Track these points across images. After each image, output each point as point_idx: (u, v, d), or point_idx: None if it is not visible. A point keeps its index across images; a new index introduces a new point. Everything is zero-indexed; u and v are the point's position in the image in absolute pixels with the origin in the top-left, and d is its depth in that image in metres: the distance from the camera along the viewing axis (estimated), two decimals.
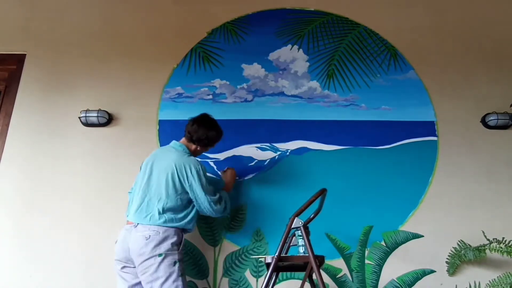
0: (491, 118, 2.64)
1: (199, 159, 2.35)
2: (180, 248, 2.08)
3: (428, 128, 2.71)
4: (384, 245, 2.48)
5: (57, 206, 2.63)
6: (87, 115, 2.71)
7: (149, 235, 2.01)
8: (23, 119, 2.85)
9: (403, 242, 2.48)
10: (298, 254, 2.04)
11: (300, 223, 2.00)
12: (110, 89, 2.90)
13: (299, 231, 2.03)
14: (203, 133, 2.28)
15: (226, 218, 2.55)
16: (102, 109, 2.75)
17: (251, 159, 2.68)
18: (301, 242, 2.05)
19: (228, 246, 2.52)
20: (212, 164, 2.68)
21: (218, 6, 3.07)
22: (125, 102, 2.85)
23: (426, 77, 2.84)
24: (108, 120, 2.77)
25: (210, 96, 2.85)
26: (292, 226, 2.00)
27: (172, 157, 2.20)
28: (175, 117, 2.79)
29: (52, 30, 3.08)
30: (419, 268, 2.42)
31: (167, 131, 2.77)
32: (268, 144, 2.71)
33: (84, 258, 2.52)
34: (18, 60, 3.00)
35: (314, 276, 2.09)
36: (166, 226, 2.05)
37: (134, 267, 2.04)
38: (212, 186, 2.25)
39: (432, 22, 2.99)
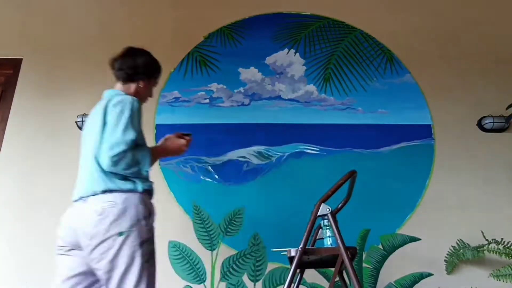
0: (487, 121, 2.65)
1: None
2: (149, 221, 1.56)
3: (425, 131, 2.72)
4: (382, 248, 2.48)
5: (54, 211, 2.62)
6: (84, 119, 2.71)
7: (103, 209, 1.48)
8: (19, 123, 2.84)
9: (400, 245, 2.48)
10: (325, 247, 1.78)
11: (328, 210, 1.70)
12: None
13: (326, 220, 1.76)
14: (131, 62, 1.80)
15: (223, 222, 2.54)
16: None
17: (248, 163, 2.67)
18: (328, 233, 1.77)
19: (226, 250, 2.51)
20: (210, 168, 2.67)
21: (214, 11, 3.08)
22: None
23: (423, 80, 2.85)
24: None
25: (207, 100, 2.85)
26: (319, 214, 1.69)
27: (98, 105, 1.73)
28: (172, 121, 2.79)
29: (48, 34, 3.08)
30: (416, 271, 2.42)
31: (164, 135, 2.74)
32: (265, 148, 2.71)
33: None
34: (14, 65, 3.00)
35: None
36: (126, 191, 1.54)
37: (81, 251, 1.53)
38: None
39: (428, 26, 3.01)
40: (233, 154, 2.68)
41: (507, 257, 2.15)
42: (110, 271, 1.46)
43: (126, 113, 1.58)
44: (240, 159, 2.69)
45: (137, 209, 1.52)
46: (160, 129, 2.78)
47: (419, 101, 2.80)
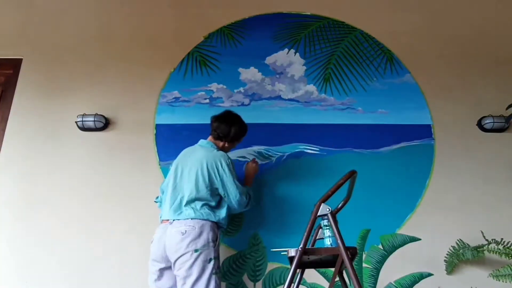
0: (487, 121, 2.65)
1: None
2: (216, 244, 2.04)
3: (425, 131, 2.72)
4: (382, 248, 2.48)
5: (54, 211, 2.62)
6: (84, 119, 2.71)
7: (185, 230, 1.98)
8: (19, 123, 2.84)
9: (400, 245, 2.48)
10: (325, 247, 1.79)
11: (328, 210, 1.72)
12: (107, 93, 2.89)
13: (326, 220, 1.78)
14: (225, 129, 2.28)
15: None
16: (98, 113, 2.75)
17: (247, 162, 2.67)
18: (328, 233, 1.79)
19: (226, 250, 2.51)
20: None
21: (214, 10, 3.08)
22: (122, 106, 2.85)
23: (423, 80, 2.85)
24: (105, 124, 2.77)
25: (207, 100, 2.85)
26: (318, 214, 1.71)
27: (201, 153, 2.20)
28: (172, 121, 2.79)
29: (48, 34, 3.08)
30: (416, 271, 2.42)
31: (164, 135, 2.76)
32: (265, 148, 2.71)
33: (81, 263, 2.50)
34: (14, 65, 3.00)
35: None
36: (202, 220, 2.03)
37: (171, 268, 2.02)
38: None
39: (428, 26, 3.01)
40: (233, 154, 2.68)
41: (507, 257, 2.15)
42: (185, 277, 1.94)
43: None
44: (240, 159, 2.69)
45: (208, 234, 2.02)
46: (160, 129, 2.78)
47: (419, 101, 2.80)
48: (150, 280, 2.09)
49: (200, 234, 1.98)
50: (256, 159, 2.56)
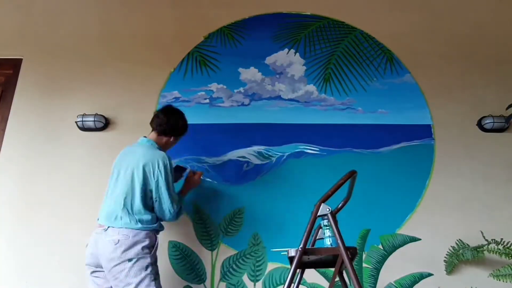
0: (487, 121, 2.65)
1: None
2: (153, 251, 1.98)
3: (425, 131, 2.72)
4: (382, 248, 2.48)
5: (54, 211, 2.62)
6: (84, 119, 2.71)
7: (118, 240, 1.90)
8: (19, 123, 2.84)
9: (400, 246, 2.48)
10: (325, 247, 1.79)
11: (328, 210, 1.72)
12: (107, 93, 2.89)
13: (326, 220, 1.78)
14: (175, 122, 2.21)
15: (223, 222, 2.54)
16: (98, 113, 2.75)
17: (248, 163, 2.67)
18: (328, 233, 1.79)
19: (226, 251, 2.51)
20: (208, 168, 2.67)
21: (214, 11, 3.08)
22: (122, 106, 2.85)
23: (423, 80, 2.85)
24: (104, 124, 2.77)
25: (207, 100, 2.85)
26: (318, 214, 1.71)
27: (138, 152, 2.10)
28: None
29: (48, 34, 3.08)
30: (416, 271, 2.42)
31: None
32: (265, 148, 2.71)
33: (81, 263, 2.50)
34: (14, 65, 3.00)
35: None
36: (137, 229, 1.95)
37: (104, 271, 1.97)
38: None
39: (428, 26, 3.01)
40: (233, 154, 2.68)
41: (507, 257, 2.15)
42: (123, 287, 1.91)
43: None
44: (240, 159, 2.69)
45: (143, 243, 1.95)
46: None
47: (419, 101, 2.80)
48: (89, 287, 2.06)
49: (134, 244, 1.92)
50: (203, 174, 2.48)
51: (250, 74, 2.90)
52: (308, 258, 1.76)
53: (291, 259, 1.73)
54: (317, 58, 2.93)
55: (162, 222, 2.15)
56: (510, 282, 1.96)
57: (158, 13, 3.10)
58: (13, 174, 2.72)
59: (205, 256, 2.50)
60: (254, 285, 2.44)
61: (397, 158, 2.66)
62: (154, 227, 2.03)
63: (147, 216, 2.01)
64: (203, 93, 2.87)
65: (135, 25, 3.08)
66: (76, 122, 2.74)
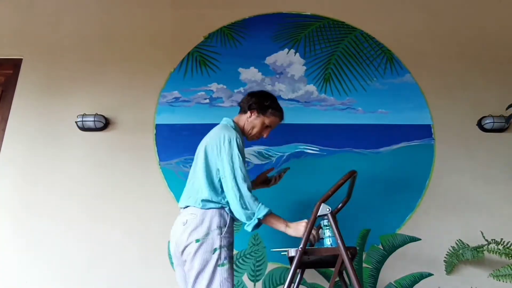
0: (487, 121, 2.65)
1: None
2: (223, 231, 1.77)
3: (425, 131, 2.72)
4: (382, 248, 2.48)
5: (54, 211, 2.62)
6: (84, 119, 2.71)
7: (186, 220, 1.76)
8: (19, 123, 2.84)
9: (400, 246, 2.48)
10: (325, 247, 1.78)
11: (328, 210, 1.70)
12: (107, 93, 2.89)
13: (326, 220, 1.77)
14: (258, 98, 2.01)
15: None
16: (98, 113, 2.75)
17: (248, 163, 2.67)
18: (328, 233, 1.78)
19: None
20: None
21: (214, 11, 3.08)
22: (122, 106, 2.85)
23: (423, 80, 2.85)
24: (104, 124, 2.77)
25: (207, 100, 2.85)
26: (318, 214, 1.70)
27: (214, 131, 1.96)
28: (172, 121, 2.79)
29: (48, 34, 3.08)
30: (416, 271, 2.42)
31: (164, 135, 2.76)
32: (265, 148, 2.71)
33: (82, 263, 2.50)
34: (14, 65, 3.00)
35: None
36: (206, 207, 1.78)
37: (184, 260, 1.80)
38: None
39: (428, 26, 3.01)
40: None
41: (507, 257, 2.14)
42: (187, 271, 1.73)
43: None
44: None
45: (211, 221, 1.77)
46: (160, 129, 2.78)
47: (419, 101, 2.80)
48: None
49: (202, 222, 1.74)
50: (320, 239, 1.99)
51: (250, 74, 2.90)
52: (308, 258, 1.76)
53: (291, 259, 1.74)
54: (317, 58, 2.93)
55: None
56: (510, 282, 1.96)
57: (158, 13, 3.10)
58: (13, 174, 2.72)
59: None
60: (254, 285, 2.44)
61: (397, 158, 2.66)
62: (222, 204, 1.82)
63: (215, 194, 1.81)
64: (203, 93, 2.87)
65: (135, 25, 3.08)
66: (76, 122, 2.74)
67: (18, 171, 2.72)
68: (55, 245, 2.55)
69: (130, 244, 2.52)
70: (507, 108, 2.48)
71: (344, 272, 1.96)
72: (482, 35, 2.97)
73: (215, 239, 1.73)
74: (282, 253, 1.82)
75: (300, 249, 1.68)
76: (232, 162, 1.80)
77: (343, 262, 1.67)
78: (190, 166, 2.64)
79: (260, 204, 1.85)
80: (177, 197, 2.61)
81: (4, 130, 2.82)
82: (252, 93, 2.09)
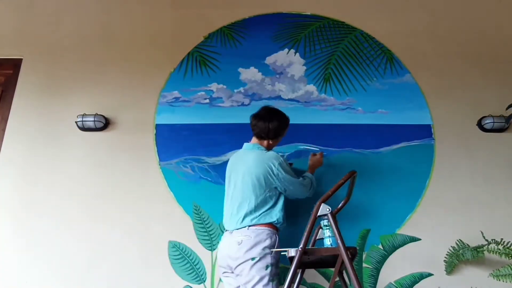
0: (487, 121, 2.65)
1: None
2: (273, 251, 2.03)
3: (425, 131, 2.72)
4: (382, 248, 2.48)
5: (54, 211, 2.62)
6: (84, 119, 2.71)
7: (241, 240, 2.01)
8: (19, 123, 2.84)
9: (400, 246, 2.48)
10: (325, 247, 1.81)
11: (328, 210, 1.75)
12: (107, 93, 2.89)
13: (326, 220, 1.81)
14: (264, 127, 2.22)
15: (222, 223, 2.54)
16: (98, 113, 2.75)
17: None
18: (328, 233, 1.82)
19: None
20: (208, 168, 2.67)
21: (214, 11, 3.08)
22: (122, 106, 2.85)
23: (422, 80, 2.85)
24: (104, 124, 2.77)
25: (207, 100, 2.85)
26: (318, 214, 1.74)
27: (251, 158, 2.18)
28: (172, 121, 2.79)
29: (48, 34, 3.08)
30: (416, 271, 2.42)
31: (164, 135, 2.76)
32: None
33: (82, 263, 2.50)
34: (14, 65, 3.00)
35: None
36: (258, 229, 2.04)
37: (233, 272, 2.08)
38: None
39: (428, 26, 3.01)
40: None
41: (507, 257, 2.15)
42: (245, 283, 1.99)
43: None
44: None
45: (264, 243, 2.02)
46: (160, 129, 2.78)
47: (419, 101, 2.80)
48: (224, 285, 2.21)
49: (256, 244, 1.99)
50: (324, 153, 2.52)
51: (250, 74, 2.90)
52: (308, 258, 1.78)
53: (291, 259, 1.75)
54: (317, 58, 2.93)
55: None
56: (510, 282, 1.96)
57: (158, 13, 3.10)
58: (13, 174, 2.71)
59: (205, 256, 2.50)
60: None
61: (397, 158, 2.66)
62: (275, 222, 2.09)
63: (266, 216, 2.09)
64: (203, 93, 2.87)
65: (135, 25, 3.08)
66: (76, 122, 2.74)
67: (18, 171, 2.72)
68: (55, 245, 2.55)
69: (130, 244, 2.52)
70: (507, 108, 2.48)
71: (344, 272, 1.97)
72: (482, 35, 2.97)
73: (267, 258, 1.98)
74: (282, 253, 1.83)
75: (300, 249, 1.69)
76: (289, 174, 2.17)
77: (343, 262, 1.67)
78: (190, 166, 2.68)
79: (306, 178, 2.31)
80: (177, 197, 2.61)
81: (4, 130, 2.82)
82: (266, 120, 2.23)
